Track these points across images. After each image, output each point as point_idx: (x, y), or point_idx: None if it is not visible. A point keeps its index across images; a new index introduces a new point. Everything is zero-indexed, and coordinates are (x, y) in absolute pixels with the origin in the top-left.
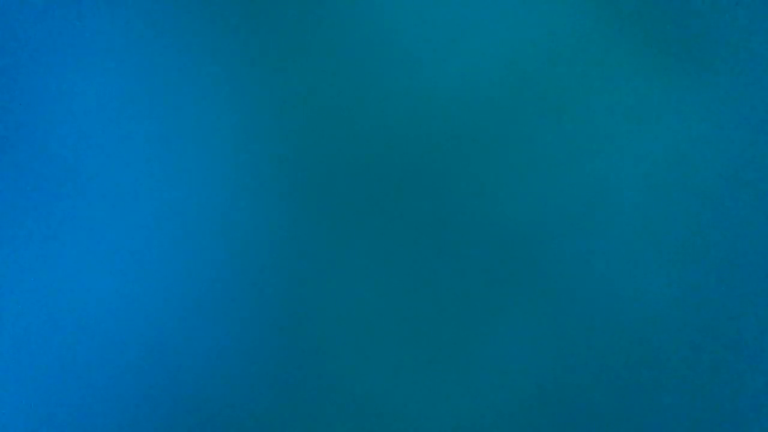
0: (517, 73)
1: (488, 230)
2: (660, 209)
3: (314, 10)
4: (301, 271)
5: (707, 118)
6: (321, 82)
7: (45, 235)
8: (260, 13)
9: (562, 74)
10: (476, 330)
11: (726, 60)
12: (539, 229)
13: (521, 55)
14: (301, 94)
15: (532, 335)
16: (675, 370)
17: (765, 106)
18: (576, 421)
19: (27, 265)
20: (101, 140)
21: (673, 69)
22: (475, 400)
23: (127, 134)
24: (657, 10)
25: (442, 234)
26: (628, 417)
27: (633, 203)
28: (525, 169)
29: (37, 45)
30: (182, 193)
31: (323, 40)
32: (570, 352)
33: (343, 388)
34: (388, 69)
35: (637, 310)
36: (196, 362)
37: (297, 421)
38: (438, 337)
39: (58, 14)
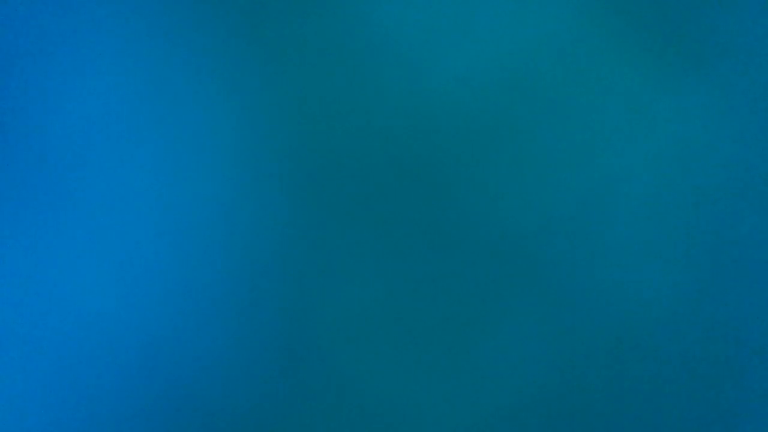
0: (516, 73)
1: (489, 230)
2: (660, 209)
3: (314, 9)
4: (301, 271)
5: (707, 118)
6: (321, 82)
7: (45, 235)
8: (260, 13)
9: (561, 74)
10: (477, 330)
11: (726, 60)
12: (540, 228)
13: (521, 55)
14: (300, 94)
15: (532, 335)
16: (676, 369)
17: (765, 106)
18: (576, 420)
19: (26, 265)
20: (101, 140)
21: (673, 69)
22: (475, 400)
23: (127, 134)
24: (657, 10)
25: (443, 233)
26: (628, 416)
27: (633, 203)
28: (525, 168)
29: (38, 45)
30: (182, 192)
31: (323, 40)
32: (571, 351)
33: (343, 387)
34: (388, 69)
35: (637, 310)
36: (197, 362)
37: (297, 420)
38: (438, 336)
39: (58, 13)
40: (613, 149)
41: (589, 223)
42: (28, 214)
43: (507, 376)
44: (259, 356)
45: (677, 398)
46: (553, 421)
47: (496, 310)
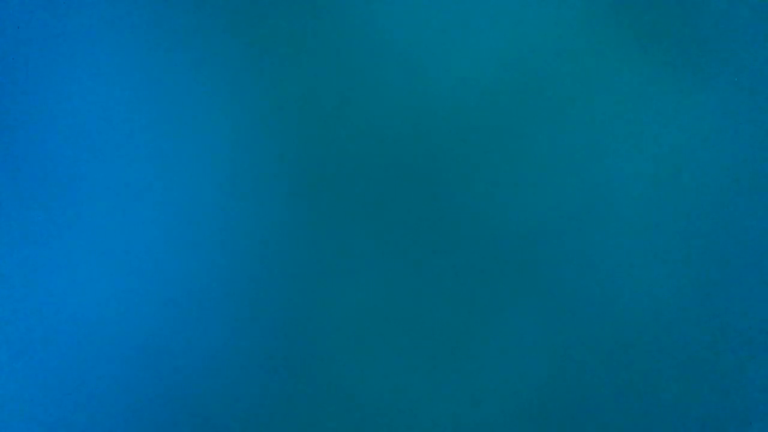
0: (517, 73)
1: (489, 230)
2: (660, 209)
3: (314, 10)
4: (301, 271)
5: (707, 118)
6: (321, 82)
7: (44, 235)
8: (260, 13)
9: (561, 74)
10: (476, 330)
11: (726, 60)
12: (539, 228)
13: (521, 55)
14: (300, 94)
15: (532, 335)
16: (675, 369)
17: (765, 106)
18: (576, 420)
19: (26, 266)
20: (101, 140)
21: (674, 69)
22: (475, 400)
23: (126, 134)
24: (657, 11)
25: (443, 234)
26: (628, 416)
27: (633, 203)
28: (525, 168)
29: (38, 45)
30: (181, 193)
31: (323, 40)
32: (570, 351)
33: (342, 387)
34: (388, 69)
35: (636, 310)
36: (196, 362)
37: (296, 421)
38: (438, 336)
39: (58, 13)
40: (614, 150)
41: (590, 223)
42: (28, 214)
43: (507, 375)
44: (258, 356)
45: (677, 398)
46: (553, 420)
47: (496, 310)
